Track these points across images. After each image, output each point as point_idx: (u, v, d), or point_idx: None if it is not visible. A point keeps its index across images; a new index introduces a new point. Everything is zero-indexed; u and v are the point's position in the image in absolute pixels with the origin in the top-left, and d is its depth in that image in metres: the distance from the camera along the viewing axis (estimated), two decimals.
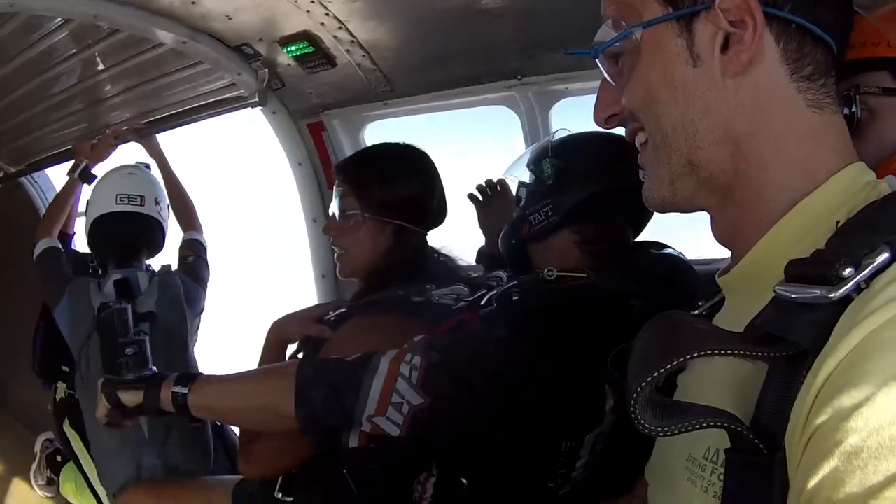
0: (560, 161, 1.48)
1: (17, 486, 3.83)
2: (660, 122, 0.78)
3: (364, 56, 2.41)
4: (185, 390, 1.42)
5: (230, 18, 2.32)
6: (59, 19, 2.45)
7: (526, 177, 1.57)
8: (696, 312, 0.90)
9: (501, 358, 1.29)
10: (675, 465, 0.77)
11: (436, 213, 1.82)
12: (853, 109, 1.23)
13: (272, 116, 2.91)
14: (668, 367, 0.60)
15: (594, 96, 0.89)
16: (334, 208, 1.78)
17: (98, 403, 1.51)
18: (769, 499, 0.58)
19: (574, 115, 2.42)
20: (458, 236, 1.97)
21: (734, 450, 0.62)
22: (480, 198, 2.20)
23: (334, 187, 1.79)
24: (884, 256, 0.56)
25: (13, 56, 2.77)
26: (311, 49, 2.40)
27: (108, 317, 1.56)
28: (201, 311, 2.84)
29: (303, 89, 2.73)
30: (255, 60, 2.60)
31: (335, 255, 1.79)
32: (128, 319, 1.57)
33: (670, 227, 1.59)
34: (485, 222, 2.19)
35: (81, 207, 2.97)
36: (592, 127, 1.55)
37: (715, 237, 0.84)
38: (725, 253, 0.84)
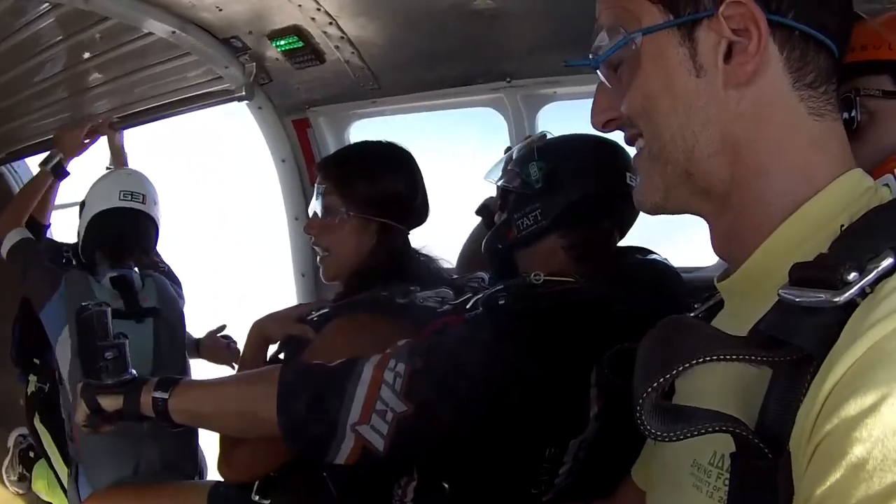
0: (548, 164, 1.47)
1: None
2: (658, 132, 0.77)
3: (353, 53, 2.39)
4: (165, 395, 1.38)
5: (220, 10, 2.30)
6: (45, 4, 2.41)
7: (509, 181, 1.55)
8: (693, 315, 0.89)
9: (487, 362, 1.27)
10: (679, 471, 0.77)
11: (419, 211, 1.81)
12: (853, 114, 1.23)
13: (257, 111, 2.88)
14: (676, 372, 0.59)
15: (581, 101, 0.89)
16: (315, 207, 1.75)
17: (76, 408, 1.46)
18: (774, 503, 0.58)
19: (560, 119, 2.43)
20: (441, 236, 1.95)
21: (739, 454, 0.62)
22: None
23: (316, 185, 1.76)
24: (888, 261, 0.56)
25: None
26: (300, 44, 2.39)
27: (87, 319, 1.51)
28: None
29: (290, 84, 2.71)
30: (243, 54, 2.57)
31: (318, 257, 1.77)
32: (107, 322, 1.52)
33: (651, 236, 1.60)
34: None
35: (58, 200, 2.93)
36: (580, 131, 1.57)
37: (713, 245, 0.83)
38: (707, 261, 0.84)
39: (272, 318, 1.77)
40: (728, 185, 0.75)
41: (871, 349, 0.51)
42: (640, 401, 0.60)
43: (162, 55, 2.71)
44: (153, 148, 3.04)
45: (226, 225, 7.06)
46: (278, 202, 3.12)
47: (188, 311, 2.75)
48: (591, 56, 0.84)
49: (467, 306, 1.47)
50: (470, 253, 2.13)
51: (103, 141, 3.01)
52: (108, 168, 2.98)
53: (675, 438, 0.60)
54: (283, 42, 2.41)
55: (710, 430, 0.60)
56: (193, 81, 2.89)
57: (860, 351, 0.52)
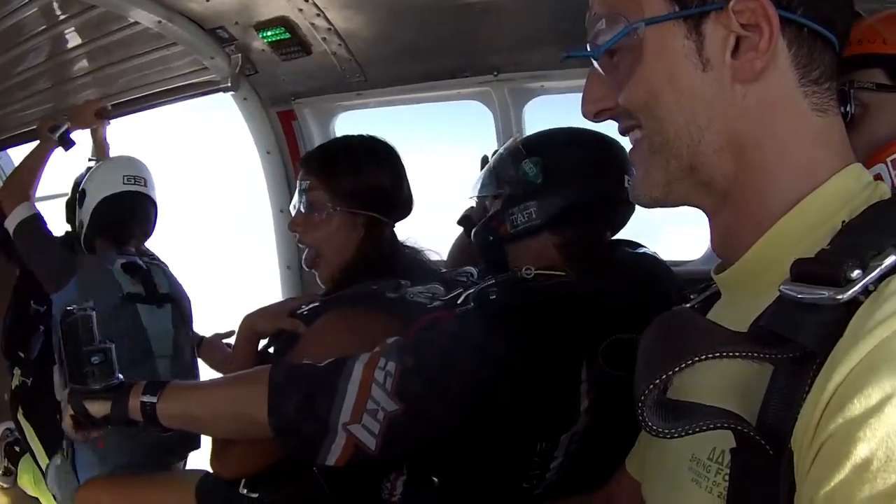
0: (543, 159, 1.45)
1: None
2: (662, 126, 0.75)
3: (340, 45, 2.38)
4: (154, 399, 1.36)
5: (207, 0, 2.28)
6: None
7: (499, 188, 1.52)
8: (689, 306, 0.88)
9: (478, 358, 1.27)
10: (677, 466, 0.76)
11: (404, 204, 1.80)
12: (847, 108, 1.24)
13: (243, 103, 2.87)
14: (678, 368, 0.59)
15: (566, 95, 0.86)
16: (299, 203, 1.72)
17: (63, 414, 1.44)
18: (774, 499, 0.58)
19: (546, 112, 2.44)
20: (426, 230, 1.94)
21: (740, 450, 0.62)
22: None
23: (299, 180, 1.73)
24: (892, 259, 0.56)
25: None
26: (286, 35, 2.37)
27: (72, 324, 1.49)
28: None
29: (276, 76, 2.70)
30: (229, 44, 2.56)
31: (305, 255, 1.75)
32: (93, 326, 1.48)
33: (641, 229, 1.61)
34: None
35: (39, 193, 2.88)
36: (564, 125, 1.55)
37: (711, 238, 0.82)
38: (694, 255, 0.83)
39: (263, 313, 1.76)
40: (731, 180, 0.75)
41: (876, 348, 0.52)
42: (643, 397, 0.59)
43: (147, 45, 2.69)
44: (137, 139, 3.00)
45: (210, 217, 7.01)
46: (263, 194, 3.11)
47: None
48: (588, 45, 0.80)
49: (458, 301, 1.47)
50: (456, 262, 2.10)
51: (86, 133, 2.97)
52: (90, 160, 2.95)
53: (676, 435, 0.60)
54: (269, 33, 2.40)
55: (711, 426, 0.59)
56: (179, 72, 2.87)
57: (865, 350, 0.52)
